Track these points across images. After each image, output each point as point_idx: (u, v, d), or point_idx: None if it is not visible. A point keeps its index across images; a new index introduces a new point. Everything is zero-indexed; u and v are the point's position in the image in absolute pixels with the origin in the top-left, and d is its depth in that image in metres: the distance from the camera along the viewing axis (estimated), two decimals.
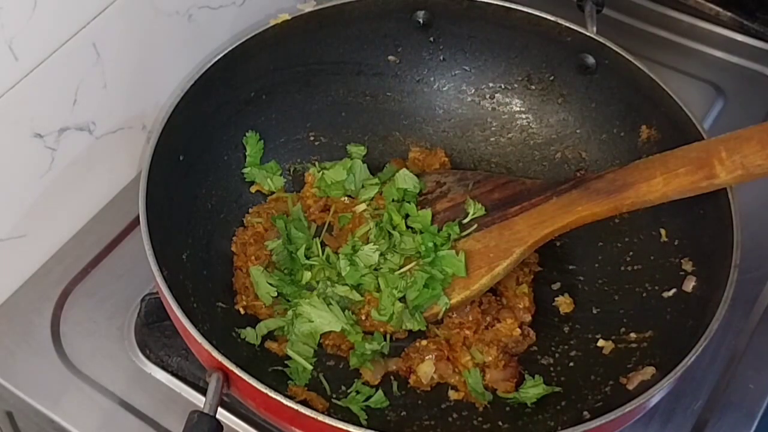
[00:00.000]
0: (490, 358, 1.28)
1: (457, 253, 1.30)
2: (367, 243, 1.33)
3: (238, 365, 1.08)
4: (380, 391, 1.26)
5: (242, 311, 1.31)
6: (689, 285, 1.26)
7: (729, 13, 1.67)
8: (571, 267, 1.39)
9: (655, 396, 1.10)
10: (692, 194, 1.21)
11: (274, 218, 1.37)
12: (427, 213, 1.35)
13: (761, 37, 1.67)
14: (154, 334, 1.33)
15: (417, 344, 1.30)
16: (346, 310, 1.29)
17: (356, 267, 1.30)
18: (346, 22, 1.45)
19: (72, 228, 1.44)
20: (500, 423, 1.23)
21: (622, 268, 1.35)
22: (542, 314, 1.34)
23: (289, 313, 1.29)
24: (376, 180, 1.42)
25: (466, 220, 1.33)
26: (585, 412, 1.19)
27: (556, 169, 1.46)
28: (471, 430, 1.23)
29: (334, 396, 1.25)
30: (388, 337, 1.30)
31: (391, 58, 1.50)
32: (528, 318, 1.33)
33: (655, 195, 1.22)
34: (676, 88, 1.33)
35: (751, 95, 1.63)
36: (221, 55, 1.36)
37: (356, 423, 1.16)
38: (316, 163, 1.46)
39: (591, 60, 1.41)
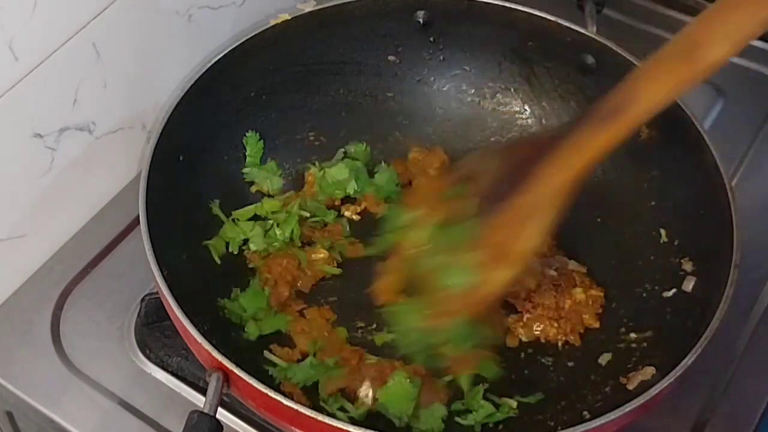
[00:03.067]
0: None
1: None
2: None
3: (238, 365, 1.08)
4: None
5: None
6: (689, 285, 1.26)
7: None
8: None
9: (655, 396, 1.10)
10: (694, 84, 1.12)
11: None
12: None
13: (761, 37, 1.67)
14: (154, 334, 1.32)
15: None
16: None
17: None
18: (346, 22, 1.45)
19: (72, 228, 1.44)
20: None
21: (622, 268, 1.35)
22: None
23: None
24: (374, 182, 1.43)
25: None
26: (585, 412, 1.19)
27: None
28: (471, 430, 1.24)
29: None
30: None
31: (391, 58, 1.50)
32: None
33: (661, 97, 1.13)
34: None
35: (751, 95, 1.62)
36: (221, 55, 1.36)
37: (357, 423, 1.16)
38: (317, 163, 1.46)
39: (591, 60, 1.41)
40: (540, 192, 1.17)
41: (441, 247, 1.23)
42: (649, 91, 1.13)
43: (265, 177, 1.42)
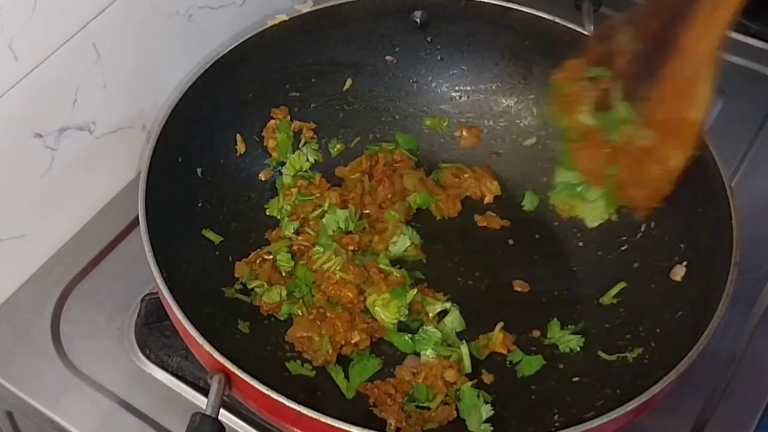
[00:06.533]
0: None
1: None
2: None
3: (239, 366, 1.08)
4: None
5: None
6: (689, 284, 1.26)
7: None
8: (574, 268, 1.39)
9: (655, 396, 1.10)
10: None
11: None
12: None
13: (761, 37, 1.68)
14: (154, 334, 1.33)
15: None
16: None
17: None
18: (344, 23, 1.46)
19: (72, 228, 1.44)
20: None
21: (622, 269, 1.35)
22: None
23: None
24: None
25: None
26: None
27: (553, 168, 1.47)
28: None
29: None
30: None
31: (388, 58, 1.50)
32: None
33: None
34: None
35: (751, 95, 1.62)
36: (220, 55, 1.36)
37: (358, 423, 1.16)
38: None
39: None
40: (690, 61, 1.13)
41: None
42: None
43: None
